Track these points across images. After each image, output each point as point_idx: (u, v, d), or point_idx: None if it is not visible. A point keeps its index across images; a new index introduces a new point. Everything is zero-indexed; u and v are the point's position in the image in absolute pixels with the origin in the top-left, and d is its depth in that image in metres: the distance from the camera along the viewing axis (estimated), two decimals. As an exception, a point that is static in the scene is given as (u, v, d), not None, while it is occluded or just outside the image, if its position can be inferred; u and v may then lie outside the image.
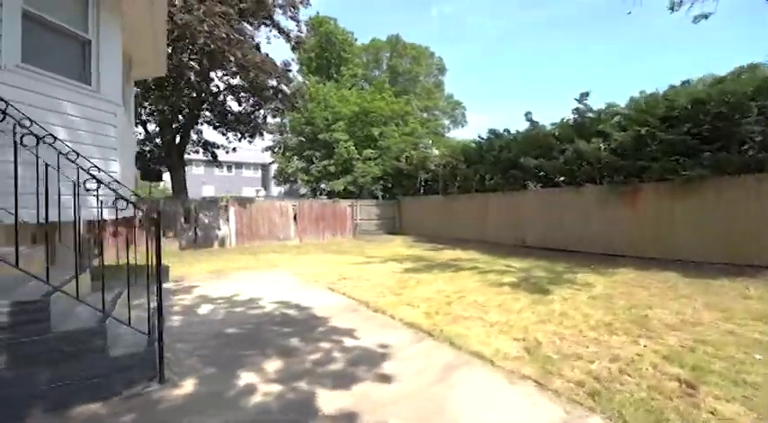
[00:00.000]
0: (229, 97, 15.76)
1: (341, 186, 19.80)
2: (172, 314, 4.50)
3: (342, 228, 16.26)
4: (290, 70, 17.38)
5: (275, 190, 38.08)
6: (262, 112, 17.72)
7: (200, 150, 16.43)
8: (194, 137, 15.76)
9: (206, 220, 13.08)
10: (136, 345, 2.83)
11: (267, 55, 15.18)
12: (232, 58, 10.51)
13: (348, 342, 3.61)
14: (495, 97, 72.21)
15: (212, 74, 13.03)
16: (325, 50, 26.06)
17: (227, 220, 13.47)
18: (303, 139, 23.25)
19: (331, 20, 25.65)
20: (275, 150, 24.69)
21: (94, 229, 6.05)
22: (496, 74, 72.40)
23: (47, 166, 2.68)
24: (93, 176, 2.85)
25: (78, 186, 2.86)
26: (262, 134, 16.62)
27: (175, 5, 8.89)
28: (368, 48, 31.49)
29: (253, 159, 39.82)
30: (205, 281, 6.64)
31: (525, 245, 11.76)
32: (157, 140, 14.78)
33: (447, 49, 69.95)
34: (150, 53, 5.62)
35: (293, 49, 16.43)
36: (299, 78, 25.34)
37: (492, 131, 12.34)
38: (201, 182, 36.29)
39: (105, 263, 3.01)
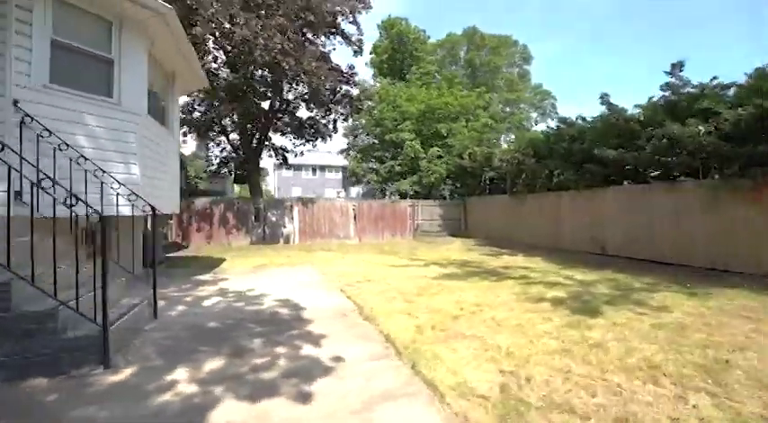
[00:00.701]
0: (300, 104, 16.92)
1: (406, 187, 19.57)
2: (179, 304, 4.87)
3: (402, 228, 16.00)
4: (354, 74, 17.84)
5: (354, 191, 39.89)
6: (332, 116, 18.59)
7: (273, 154, 17.94)
8: (268, 142, 17.23)
9: (273, 219, 14.23)
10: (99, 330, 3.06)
11: (328, 61, 15.84)
12: (286, 67, 11.17)
13: (306, 350, 3.35)
14: (590, 87, 63.38)
15: (281, 83, 14.08)
16: (398, 51, 26.14)
17: (292, 218, 14.44)
18: (375, 140, 23.73)
19: (402, 20, 25.62)
20: (349, 153, 25.72)
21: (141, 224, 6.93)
22: (594, 63, 63.39)
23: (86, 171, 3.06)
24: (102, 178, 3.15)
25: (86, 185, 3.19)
26: (324, 138, 17.41)
27: (235, 22, 9.85)
28: (443, 43, 30.59)
29: (335, 162, 42.37)
30: (239, 275, 7.11)
31: (605, 253, 9.85)
32: (233, 147, 16.60)
33: (540, 39, 63.96)
34: (186, 69, 6.26)
35: (355, 53, 16.83)
36: (370, 81, 25.93)
37: (562, 119, 10.62)
38: (291, 184, 40.03)
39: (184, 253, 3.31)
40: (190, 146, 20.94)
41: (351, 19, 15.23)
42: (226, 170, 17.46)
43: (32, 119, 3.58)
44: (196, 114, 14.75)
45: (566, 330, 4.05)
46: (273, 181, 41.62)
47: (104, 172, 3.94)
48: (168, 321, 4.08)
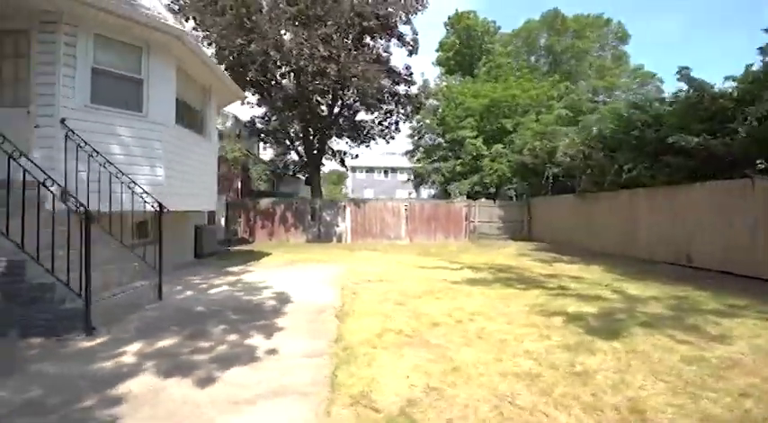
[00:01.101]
0: (360, 108, 17.52)
1: (466, 187, 18.68)
2: (190, 290, 5.46)
3: (456, 230, 15.32)
4: (411, 74, 17.76)
5: (425, 192, 39.55)
6: (393, 117, 18.82)
7: (332, 158, 18.87)
8: (328, 146, 18.15)
9: (327, 219, 14.98)
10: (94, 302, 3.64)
11: (384, 62, 16.04)
12: (331, 72, 11.67)
13: (252, 340, 3.44)
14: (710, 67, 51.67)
15: (329, 89, 14.78)
16: (466, 46, 25.15)
17: (345, 218, 15.01)
18: (440, 140, 23.23)
19: (470, 14, 24.53)
20: (413, 154, 25.61)
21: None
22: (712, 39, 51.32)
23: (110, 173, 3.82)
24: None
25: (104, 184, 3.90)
26: (374, 139, 17.72)
27: (281, 34, 10.68)
28: (519, 33, 28.38)
29: (406, 164, 42.64)
30: (266, 268, 7.65)
31: (690, 264, 8.00)
32: (296, 152, 17.87)
33: (643, 16, 54.78)
34: (219, 83, 7.03)
35: (410, 53, 16.74)
36: (436, 80, 25.45)
37: (633, 103, 8.89)
38: (363, 186, 41.60)
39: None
40: (268, 152, 23.35)
41: (405, 20, 15.22)
42: (290, 172, 19.00)
43: (74, 132, 4.45)
44: (256, 122, 16.37)
45: (556, 352, 3.42)
46: (350, 183, 43.77)
47: (123, 173, 4.67)
48: (167, 304, 4.63)
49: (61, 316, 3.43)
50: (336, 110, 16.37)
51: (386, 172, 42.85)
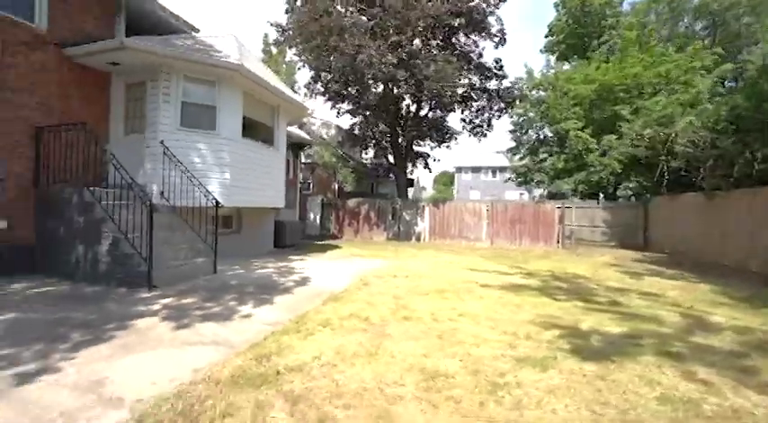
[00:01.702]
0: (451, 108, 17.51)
1: (568, 185, 16.42)
2: (243, 269, 6.69)
3: (546, 234, 13.71)
4: (501, 67, 16.81)
5: (538, 191, 35.68)
6: (486, 114, 18.20)
7: (415, 160, 19.22)
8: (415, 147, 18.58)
9: (407, 218, 15.48)
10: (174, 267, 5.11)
11: (469, 60, 15.63)
12: (401, 78, 12.11)
13: (241, 307, 4.28)
14: None
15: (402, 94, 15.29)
16: (580, 25, 21.91)
17: (423, 218, 15.23)
18: (545, 134, 21.02)
19: (585, -13, 21.16)
20: (515, 151, 23.71)
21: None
22: None
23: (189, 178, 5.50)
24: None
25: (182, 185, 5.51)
26: (452, 138, 17.34)
27: (359, 51, 11.71)
28: (659, -2, 22.98)
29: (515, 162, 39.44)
30: (320, 259, 8.59)
31: None
32: (384, 155, 18.85)
33: None
34: (286, 103, 8.39)
35: (496, 46, 15.84)
36: (540, 70, 23.09)
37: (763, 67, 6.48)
38: (469, 187, 40.40)
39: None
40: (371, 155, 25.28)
41: (487, 12, 14.55)
42: (378, 175, 20.19)
43: (168, 149, 6.23)
44: (355, 129, 17.99)
45: (499, 360, 3.16)
46: (456, 184, 43.19)
47: (195, 178, 6.23)
48: (216, 277, 5.93)
49: (136, 276, 4.95)
50: (423, 112, 16.72)
51: (493, 172, 40.60)
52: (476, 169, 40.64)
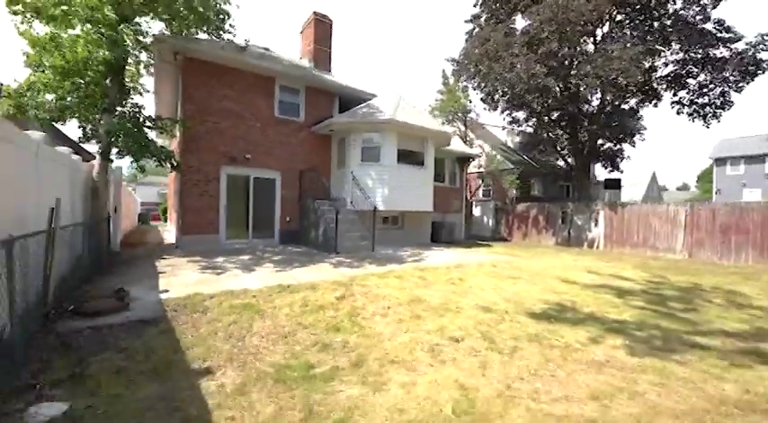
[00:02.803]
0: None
1: None
2: (390, 250, 10.08)
3: (789, 248, 9.86)
4: (727, 29, 13.19)
5: None
6: (716, 89, 14.74)
7: (599, 162, 17.09)
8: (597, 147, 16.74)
9: (579, 223, 14.68)
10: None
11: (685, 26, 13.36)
12: (552, 86, 12.25)
13: (362, 266, 7.60)
14: None
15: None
16: None
17: (598, 223, 14.04)
18: None
19: None
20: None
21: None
22: None
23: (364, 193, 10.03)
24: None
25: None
26: (633, 133, 14.34)
27: (510, 69, 13.02)
28: None
29: None
30: (456, 251, 10.86)
31: None
32: (563, 158, 17.81)
33: None
34: (429, 134, 11.32)
35: (715, 5, 12.55)
36: None
37: None
38: (741, 183, 28.57)
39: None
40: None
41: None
42: (552, 178, 18.99)
43: (354, 176, 10.58)
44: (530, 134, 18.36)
45: (459, 352, 5.01)
46: (714, 180, 31.52)
47: (366, 192, 10.25)
48: (371, 253, 9.56)
49: (331, 246, 9.26)
50: (606, 108, 15.27)
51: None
52: (749, 158, 28.37)
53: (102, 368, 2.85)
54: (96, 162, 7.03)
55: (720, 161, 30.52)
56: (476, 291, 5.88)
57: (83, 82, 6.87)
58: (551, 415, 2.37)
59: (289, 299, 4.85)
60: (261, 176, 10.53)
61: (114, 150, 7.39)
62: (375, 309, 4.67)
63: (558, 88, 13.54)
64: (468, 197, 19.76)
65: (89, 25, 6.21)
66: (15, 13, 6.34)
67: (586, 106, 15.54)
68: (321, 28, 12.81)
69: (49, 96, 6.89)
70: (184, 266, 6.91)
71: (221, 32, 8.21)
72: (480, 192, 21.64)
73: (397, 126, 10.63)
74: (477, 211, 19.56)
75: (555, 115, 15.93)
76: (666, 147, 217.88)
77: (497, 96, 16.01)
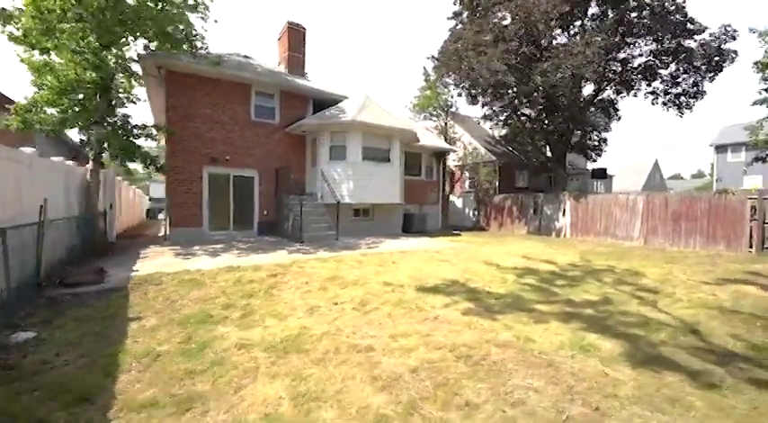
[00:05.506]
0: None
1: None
2: (353, 239, 11.20)
3: (730, 234, 10.43)
4: (689, 20, 13.52)
5: None
6: (689, 80, 15.10)
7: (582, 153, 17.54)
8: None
9: (548, 212, 15.40)
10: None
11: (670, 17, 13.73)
12: (511, 83, 12.93)
13: (317, 252, 8.77)
14: None
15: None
16: None
17: (565, 213, 14.74)
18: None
19: None
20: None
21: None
22: None
23: (330, 187, 11.20)
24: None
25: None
26: (602, 127, 14.76)
27: (471, 66, 13.76)
28: None
29: None
30: (421, 239, 11.88)
31: None
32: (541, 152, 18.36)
33: None
34: (394, 132, 12.31)
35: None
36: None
37: None
38: (742, 171, 28.12)
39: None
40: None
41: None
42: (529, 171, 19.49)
43: (323, 173, 11.71)
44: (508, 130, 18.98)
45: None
46: (715, 168, 31.03)
47: (333, 187, 11.38)
48: (335, 242, 10.71)
49: (297, 236, 10.46)
50: (579, 100, 15.75)
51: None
52: (753, 146, 27.75)
53: (69, 317, 4.11)
54: (88, 166, 8.40)
55: (721, 148, 30.06)
56: (395, 271, 6.95)
57: (77, 98, 8.23)
58: (347, 343, 3.46)
59: (229, 276, 6.07)
60: (240, 175, 11.81)
61: (105, 155, 8.77)
62: (295, 284, 5.83)
63: (517, 83, 14.12)
64: (449, 189, 20.61)
65: (76, 54, 7.50)
66: (17, 43, 7.70)
67: (562, 99, 16.07)
68: (295, 36, 13.86)
69: (51, 111, 8.29)
70: (163, 253, 8.26)
71: (194, 50, 9.42)
72: (467, 183, 22.43)
73: (360, 126, 11.68)
74: (459, 203, 20.41)
75: (527, 109, 16.52)
76: (683, 134, 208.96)
77: (475, 91, 16.71)
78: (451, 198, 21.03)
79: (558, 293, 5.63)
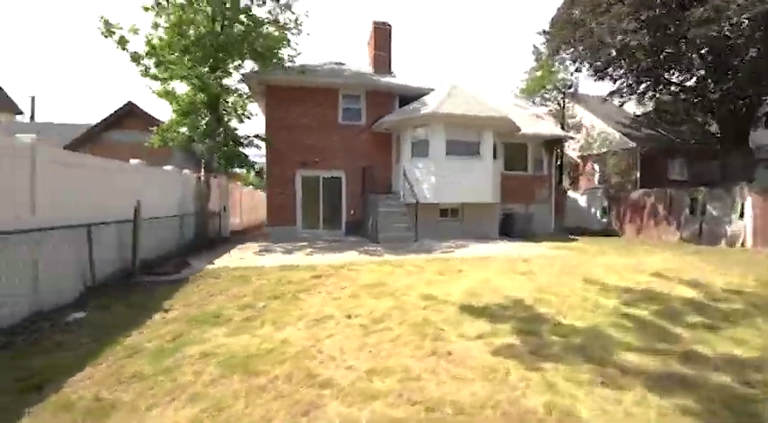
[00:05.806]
0: None
1: None
2: (435, 241, 10.22)
3: None
4: None
5: None
6: None
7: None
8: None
9: (714, 213, 11.09)
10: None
11: None
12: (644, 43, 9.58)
13: (397, 252, 8.28)
14: None
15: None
16: None
17: (744, 214, 10.32)
18: None
19: None
20: None
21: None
22: None
23: (412, 186, 10.93)
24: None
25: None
26: None
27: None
28: None
29: None
30: (515, 244, 10.10)
31: None
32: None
33: None
34: (484, 121, 10.80)
35: None
36: None
37: None
38: None
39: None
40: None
41: None
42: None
43: (405, 171, 11.21)
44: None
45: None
46: None
47: (413, 185, 10.76)
48: (414, 244, 10.00)
49: (374, 237, 10.23)
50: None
51: None
52: None
53: (125, 303, 4.74)
54: (201, 174, 10.04)
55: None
56: (452, 282, 5.89)
57: (197, 118, 9.91)
58: (307, 372, 2.81)
59: (277, 274, 6.18)
60: (328, 176, 12.36)
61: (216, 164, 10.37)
62: (332, 288, 5.49)
63: (656, 43, 10.40)
64: (568, 184, 17.19)
65: (185, 79, 9.01)
66: (142, 76, 9.53)
67: (735, 55, 11.36)
68: (380, 34, 13.72)
69: (183, 129, 10.21)
70: (249, 249, 9.19)
71: (288, 63, 10.36)
72: (596, 177, 18.43)
73: (442, 118, 10.68)
74: (582, 201, 16.84)
75: (677, 76, 12.22)
76: None
77: (600, 63, 13.44)
78: (573, 195, 17.57)
79: (678, 338, 3.68)
